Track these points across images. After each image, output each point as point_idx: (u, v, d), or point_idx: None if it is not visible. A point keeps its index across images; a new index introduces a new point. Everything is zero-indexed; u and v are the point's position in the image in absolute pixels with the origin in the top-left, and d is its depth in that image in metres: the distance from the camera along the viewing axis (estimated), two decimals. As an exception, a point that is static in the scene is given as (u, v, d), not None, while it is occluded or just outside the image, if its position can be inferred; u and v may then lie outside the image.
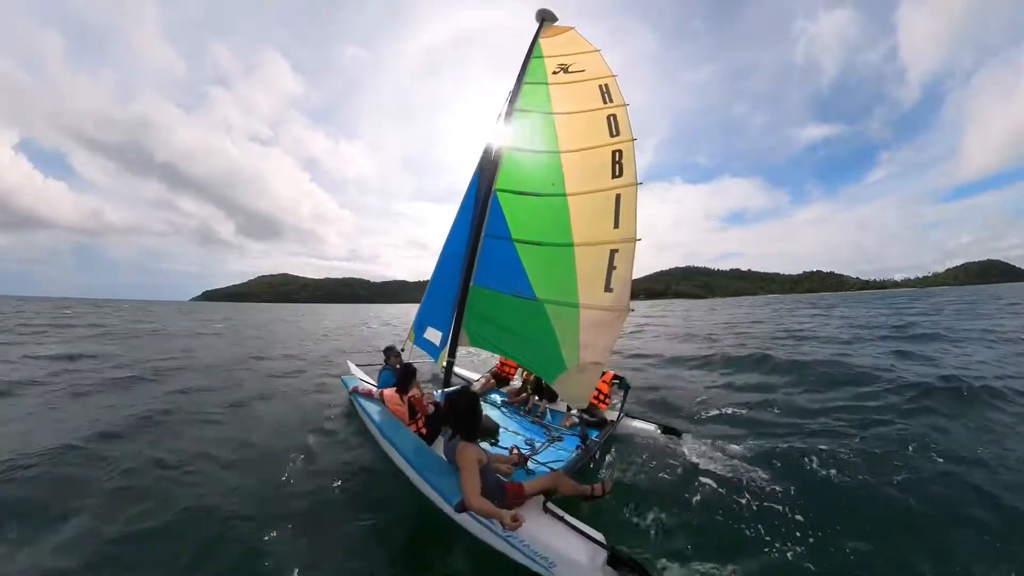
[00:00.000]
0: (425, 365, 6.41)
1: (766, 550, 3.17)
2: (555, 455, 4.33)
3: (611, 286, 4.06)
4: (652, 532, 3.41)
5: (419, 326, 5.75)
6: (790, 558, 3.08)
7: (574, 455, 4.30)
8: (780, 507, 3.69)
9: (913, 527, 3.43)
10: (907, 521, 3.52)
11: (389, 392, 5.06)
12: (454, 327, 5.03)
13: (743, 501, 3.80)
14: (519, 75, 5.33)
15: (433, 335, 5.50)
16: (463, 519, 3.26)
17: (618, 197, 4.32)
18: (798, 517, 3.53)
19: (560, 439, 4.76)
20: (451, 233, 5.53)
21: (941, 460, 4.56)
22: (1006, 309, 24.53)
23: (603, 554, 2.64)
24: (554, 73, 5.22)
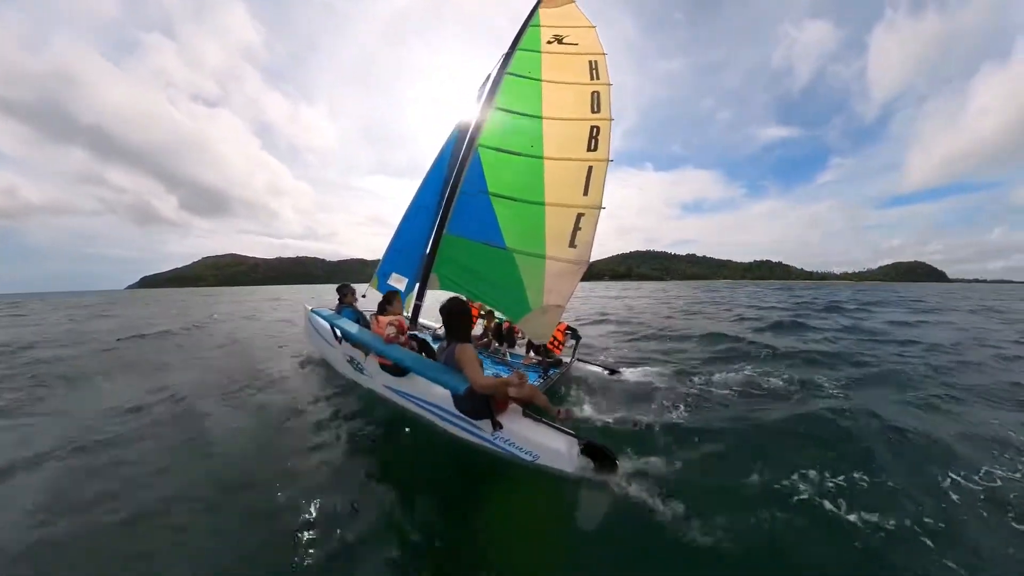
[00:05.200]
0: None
1: (692, 452, 3.77)
2: None
3: (575, 243, 4.50)
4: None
5: (383, 273, 5.90)
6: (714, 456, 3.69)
7: (538, 383, 5.05)
8: (704, 423, 4.37)
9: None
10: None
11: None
12: (424, 272, 5.31)
13: (677, 417, 4.57)
14: (514, 40, 5.54)
15: (398, 281, 5.72)
16: (454, 430, 3.82)
17: (590, 168, 4.71)
18: (720, 429, 4.21)
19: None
20: (424, 184, 5.69)
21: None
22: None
23: (578, 444, 3.23)
24: (548, 43, 5.46)
